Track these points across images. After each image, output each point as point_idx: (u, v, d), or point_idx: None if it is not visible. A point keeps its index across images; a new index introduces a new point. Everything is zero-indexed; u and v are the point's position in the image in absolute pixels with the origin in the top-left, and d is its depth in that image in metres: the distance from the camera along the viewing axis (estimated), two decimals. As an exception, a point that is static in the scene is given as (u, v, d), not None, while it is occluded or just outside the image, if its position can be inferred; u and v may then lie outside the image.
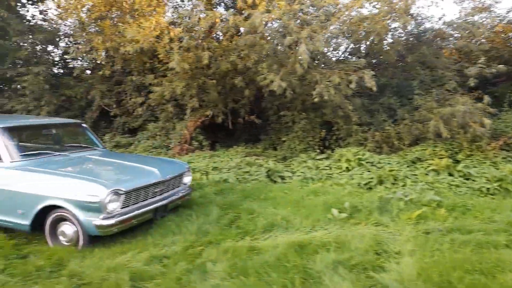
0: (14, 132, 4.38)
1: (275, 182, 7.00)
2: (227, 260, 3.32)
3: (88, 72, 11.28)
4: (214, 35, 8.24)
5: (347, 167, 7.07)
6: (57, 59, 11.78)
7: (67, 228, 3.83)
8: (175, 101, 9.34)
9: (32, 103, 10.43)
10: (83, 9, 8.29)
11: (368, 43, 8.59)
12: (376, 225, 4.29)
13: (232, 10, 9.09)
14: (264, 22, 6.91)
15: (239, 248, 3.56)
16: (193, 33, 7.46)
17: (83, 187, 3.66)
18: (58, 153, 4.59)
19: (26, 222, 3.92)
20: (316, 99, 6.97)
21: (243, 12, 7.10)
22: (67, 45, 11.97)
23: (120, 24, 8.21)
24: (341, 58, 8.91)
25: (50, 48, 11.49)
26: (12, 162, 4.10)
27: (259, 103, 9.49)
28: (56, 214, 3.83)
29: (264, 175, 7.10)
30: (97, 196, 3.58)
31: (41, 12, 11.50)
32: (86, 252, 3.67)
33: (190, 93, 8.20)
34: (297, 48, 7.01)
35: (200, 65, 7.75)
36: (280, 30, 7.06)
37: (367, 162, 7.06)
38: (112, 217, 3.69)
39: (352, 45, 8.37)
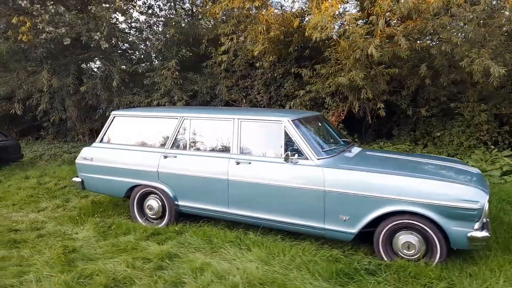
0: (303, 125, 3.81)
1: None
2: None
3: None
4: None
5: None
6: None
7: (412, 239, 3.18)
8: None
9: (163, 98, 10.18)
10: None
11: None
12: None
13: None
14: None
15: None
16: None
17: (455, 191, 3.01)
18: (341, 148, 3.99)
19: (351, 230, 3.33)
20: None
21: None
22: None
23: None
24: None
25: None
26: (319, 159, 3.53)
27: (420, 94, 8.66)
28: (398, 221, 3.20)
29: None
30: (478, 202, 2.92)
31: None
32: (447, 269, 3.01)
33: (364, 82, 7.47)
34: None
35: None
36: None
37: None
38: (482, 228, 3.00)
39: None
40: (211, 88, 10.69)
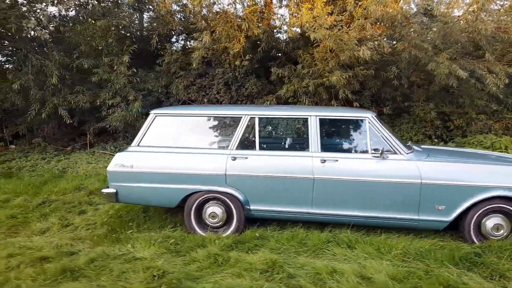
0: (381, 121, 3.89)
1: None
2: None
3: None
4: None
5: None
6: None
7: (500, 221, 3.54)
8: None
9: (115, 98, 9.20)
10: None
11: None
12: None
13: None
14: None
15: None
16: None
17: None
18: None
19: (446, 218, 3.57)
20: (494, 88, 7.23)
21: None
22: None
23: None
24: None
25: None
26: (408, 153, 3.68)
27: (377, 94, 9.51)
28: (489, 206, 3.52)
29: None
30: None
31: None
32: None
33: (343, 83, 7.87)
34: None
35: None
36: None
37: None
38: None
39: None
40: (165, 87, 10.06)
